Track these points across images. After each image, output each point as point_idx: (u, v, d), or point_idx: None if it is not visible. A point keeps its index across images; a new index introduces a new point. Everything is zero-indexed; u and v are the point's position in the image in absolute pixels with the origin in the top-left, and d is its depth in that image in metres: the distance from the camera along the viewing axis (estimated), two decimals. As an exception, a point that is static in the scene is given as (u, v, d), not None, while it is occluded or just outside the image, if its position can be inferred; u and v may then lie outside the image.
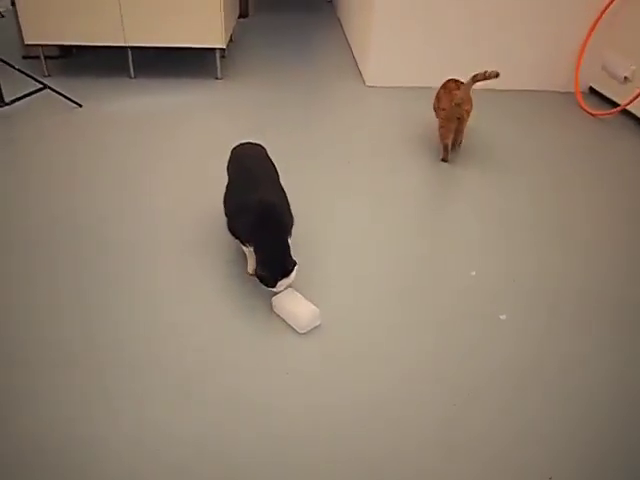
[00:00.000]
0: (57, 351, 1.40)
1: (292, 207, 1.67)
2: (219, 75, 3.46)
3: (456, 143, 2.55)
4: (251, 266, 1.71)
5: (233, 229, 1.67)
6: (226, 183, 1.77)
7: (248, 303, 1.61)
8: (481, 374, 1.39)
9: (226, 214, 1.72)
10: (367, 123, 3.00)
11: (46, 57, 3.38)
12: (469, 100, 2.37)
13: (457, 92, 2.34)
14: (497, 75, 2.26)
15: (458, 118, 2.35)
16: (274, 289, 1.55)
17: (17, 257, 1.73)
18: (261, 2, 6.08)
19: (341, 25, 5.10)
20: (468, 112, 2.38)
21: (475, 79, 2.28)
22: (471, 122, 2.57)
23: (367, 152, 2.63)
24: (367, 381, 1.37)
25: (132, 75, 3.41)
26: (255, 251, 1.57)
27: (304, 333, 1.50)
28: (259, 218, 1.56)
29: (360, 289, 1.70)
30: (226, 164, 1.81)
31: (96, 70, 3.55)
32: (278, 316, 1.55)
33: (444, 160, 2.48)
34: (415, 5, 3.27)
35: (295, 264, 1.54)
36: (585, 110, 3.25)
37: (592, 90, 3.53)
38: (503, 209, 2.15)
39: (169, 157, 2.43)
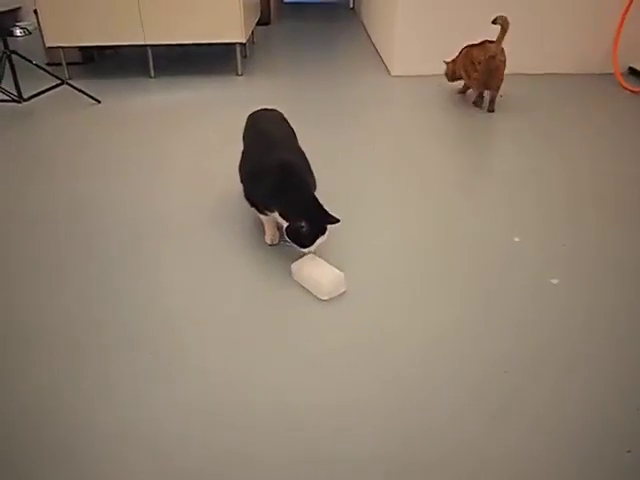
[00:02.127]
0: (58, 335, 1.27)
1: (319, 183, 1.51)
2: (240, 71, 3.39)
3: (495, 97, 2.68)
4: (270, 235, 1.56)
5: (250, 195, 1.54)
6: (242, 151, 1.64)
7: (265, 271, 1.46)
8: (526, 345, 1.20)
9: (242, 181, 1.58)
10: (394, 105, 2.87)
11: (68, 63, 3.37)
12: (502, 52, 2.56)
13: (491, 45, 2.53)
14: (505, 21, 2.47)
15: (491, 69, 2.54)
16: (307, 249, 1.39)
17: (23, 250, 1.63)
18: (283, 11, 6.09)
19: (364, 27, 5.04)
20: (503, 62, 2.56)
21: (501, 37, 2.51)
22: (511, 101, 2.56)
23: (394, 130, 2.49)
24: (398, 355, 1.19)
25: (152, 75, 3.37)
26: (285, 212, 1.40)
27: (327, 300, 1.33)
28: (283, 177, 1.42)
29: (390, 255, 1.53)
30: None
31: (116, 72, 3.53)
32: (298, 284, 1.39)
33: (476, 104, 2.73)
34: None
35: (338, 220, 1.39)
36: (626, 88, 3.05)
37: (632, 70, 3.33)
38: (542, 175, 1.96)
39: (186, 145, 2.34)
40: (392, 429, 1.00)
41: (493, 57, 2.52)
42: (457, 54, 2.82)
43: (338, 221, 1.39)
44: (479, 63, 2.56)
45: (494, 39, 2.52)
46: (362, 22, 5.26)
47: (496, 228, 1.66)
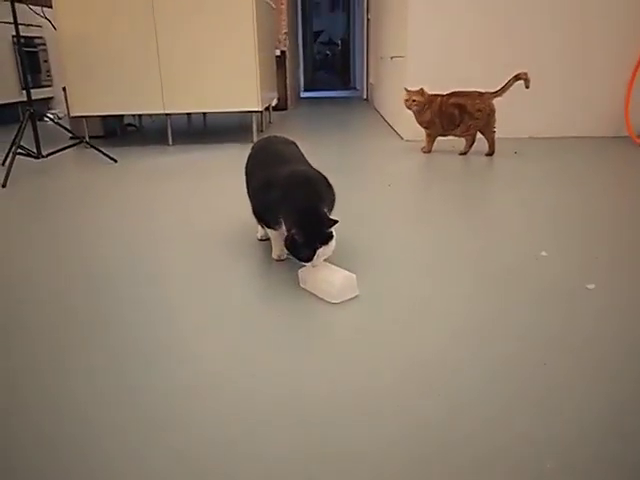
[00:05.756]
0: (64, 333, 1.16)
1: (339, 209, 1.44)
2: (255, 140, 3.46)
3: (494, 139, 2.90)
4: (277, 250, 1.47)
5: (259, 210, 1.46)
6: (245, 173, 1.60)
7: (271, 282, 1.35)
8: (544, 345, 1.05)
9: (250, 196, 1.52)
10: (407, 156, 2.88)
11: (91, 137, 3.49)
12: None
13: (486, 94, 2.80)
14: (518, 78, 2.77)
15: (489, 114, 2.82)
16: (310, 263, 1.28)
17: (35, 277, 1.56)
18: (300, 102, 6.40)
19: (378, 112, 5.23)
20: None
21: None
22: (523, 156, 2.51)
23: (408, 176, 2.47)
24: (417, 361, 1.04)
25: (170, 143, 3.46)
26: (285, 221, 1.32)
27: (338, 303, 1.21)
28: (292, 184, 1.35)
29: (406, 267, 1.40)
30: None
31: (136, 142, 3.64)
32: (307, 292, 1.27)
33: (491, 154, 2.89)
34: (452, 65, 3.31)
35: (335, 222, 1.28)
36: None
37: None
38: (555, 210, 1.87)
39: (197, 189, 2.32)
40: (406, 428, 0.84)
41: (489, 103, 2.80)
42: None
43: (336, 222, 1.28)
44: (479, 110, 2.79)
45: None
46: (375, 108, 5.48)
47: (519, 242, 1.55)
